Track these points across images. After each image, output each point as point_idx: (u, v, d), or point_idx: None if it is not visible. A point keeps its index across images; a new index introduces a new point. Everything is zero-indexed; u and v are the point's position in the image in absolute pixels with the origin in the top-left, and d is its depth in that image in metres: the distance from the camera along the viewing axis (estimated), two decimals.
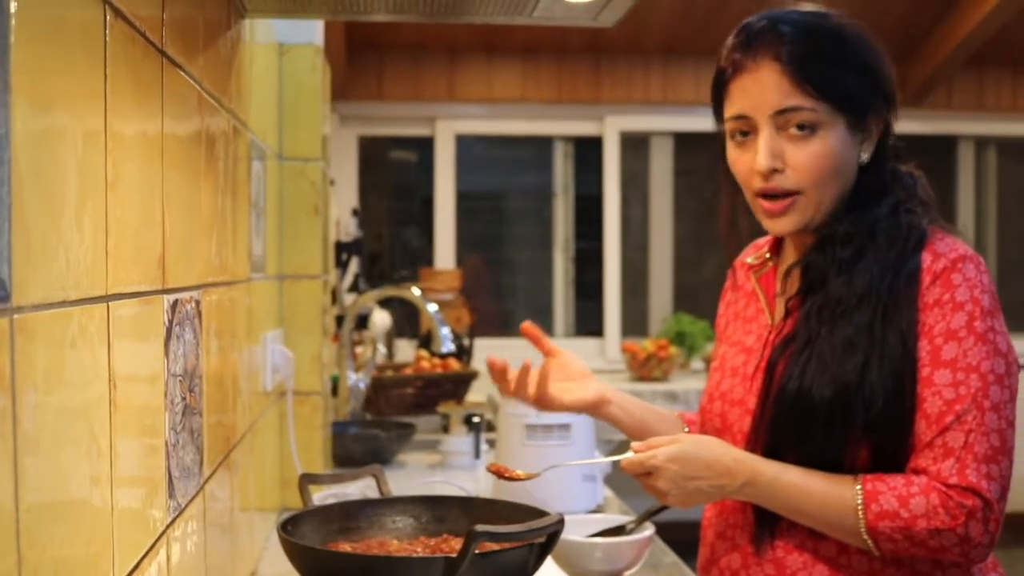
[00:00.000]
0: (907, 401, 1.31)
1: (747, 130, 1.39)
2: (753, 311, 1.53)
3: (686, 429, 1.65)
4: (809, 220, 1.40)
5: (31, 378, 0.72)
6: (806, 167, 1.36)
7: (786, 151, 1.36)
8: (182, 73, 1.22)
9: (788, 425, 1.36)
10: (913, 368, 1.31)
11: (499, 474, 1.52)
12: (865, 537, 1.30)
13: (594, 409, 1.58)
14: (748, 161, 1.39)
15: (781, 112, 1.36)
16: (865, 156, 1.40)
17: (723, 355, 1.54)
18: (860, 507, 1.30)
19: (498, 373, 1.54)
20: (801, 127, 1.35)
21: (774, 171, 1.37)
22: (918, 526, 1.28)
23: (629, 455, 1.39)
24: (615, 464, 1.47)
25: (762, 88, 1.36)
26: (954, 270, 1.33)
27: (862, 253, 1.36)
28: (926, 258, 1.34)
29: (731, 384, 1.48)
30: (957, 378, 1.29)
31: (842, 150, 1.37)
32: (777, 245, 1.54)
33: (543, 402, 1.54)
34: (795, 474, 1.34)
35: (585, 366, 1.59)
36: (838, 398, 1.31)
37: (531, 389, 1.54)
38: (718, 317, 1.64)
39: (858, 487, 1.31)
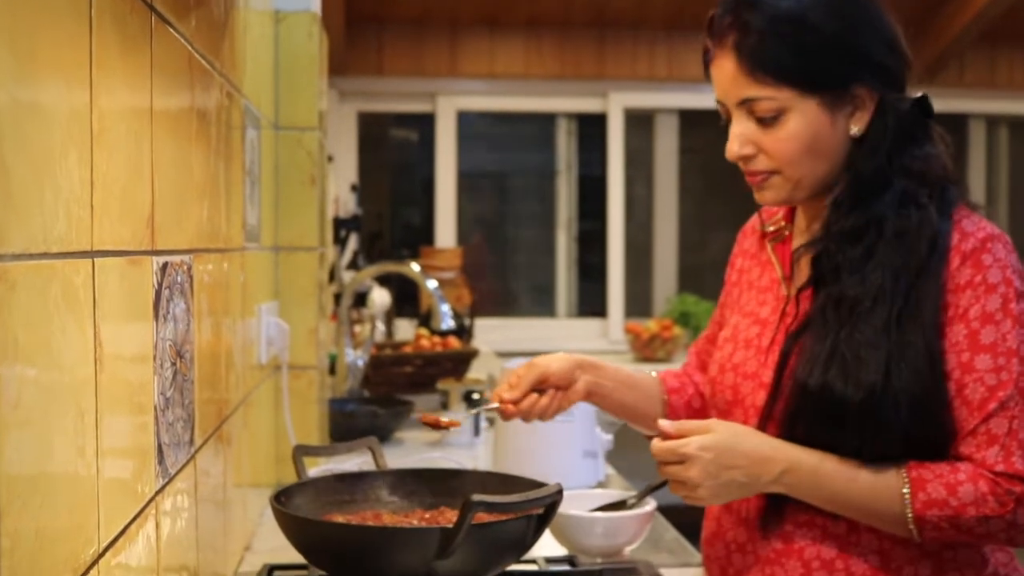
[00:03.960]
0: (939, 396, 1.28)
1: (727, 115, 1.40)
2: (767, 281, 1.49)
3: (665, 397, 1.62)
4: (791, 194, 1.39)
5: (11, 331, 0.70)
6: (775, 152, 1.35)
7: (757, 136, 1.36)
8: (172, 31, 1.19)
9: (818, 426, 1.31)
10: (939, 364, 1.28)
11: (435, 424, 1.53)
12: (911, 526, 1.28)
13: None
14: None
15: (743, 102, 1.35)
16: (856, 129, 1.36)
17: (736, 325, 1.50)
18: (907, 496, 1.27)
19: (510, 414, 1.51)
20: (765, 114, 1.34)
21: (748, 157, 1.37)
22: (967, 514, 1.26)
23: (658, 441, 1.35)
24: (618, 439, 1.44)
25: (724, 78, 1.36)
26: (984, 250, 1.31)
27: (872, 251, 1.33)
28: (954, 236, 1.32)
29: (744, 356, 1.44)
30: (998, 363, 1.27)
31: (814, 129, 1.34)
32: (791, 212, 1.51)
33: (545, 418, 1.53)
34: (837, 463, 1.30)
35: (562, 362, 1.52)
36: (866, 402, 1.27)
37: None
38: (729, 284, 1.60)
39: (904, 476, 1.28)
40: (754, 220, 1.58)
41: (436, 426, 1.52)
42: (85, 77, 0.87)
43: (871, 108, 1.35)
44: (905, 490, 1.27)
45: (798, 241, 1.47)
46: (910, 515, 1.27)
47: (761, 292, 1.49)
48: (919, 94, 1.39)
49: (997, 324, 1.28)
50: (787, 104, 1.33)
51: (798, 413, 1.33)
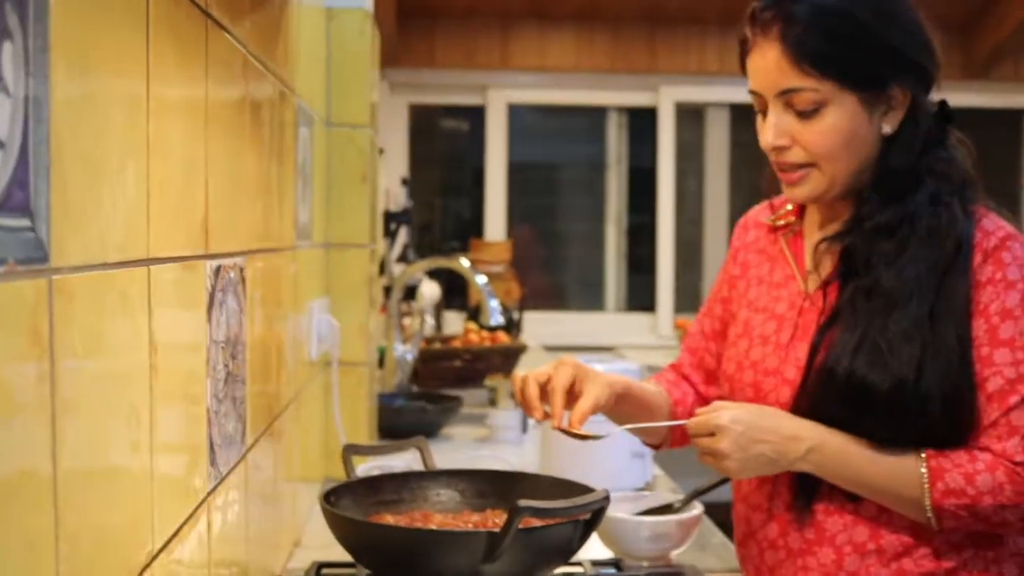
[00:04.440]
0: (965, 392, 1.31)
1: (762, 106, 1.40)
2: (781, 276, 1.49)
3: (669, 410, 1.58)
4: (826, 190, 1.39)
5: (70, 342, 0.71)
6: (813, 145, 1.36)
7: (794, 128, 1.36)
8: (227, 35, 1.21)
9: (842, 411, 1.34)
10: (969, 364, 1.31)
11: (568, 432, 1.49)
12: (929, 514, 1.31)
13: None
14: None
15: (784, 92, 1.35)
16: (888, 128, 1.37)
17: (747, 321, 1.50)
18: (926, 484, 1.30)
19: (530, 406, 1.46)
20: (806, 106, 1.34)
21: (782, 148, 1.37)
22: (984, 503, 1.29)
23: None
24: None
25: (767, 68, 1.36)
26: (1003, 248, 1.35)
27: (905, 245, 1.35)
28: (976, 235, 1.35)
29: (763, 353, 1.45)
30: (1017, 357, 1.31)
31: (852, 126, 1.35)
32: (802, 208, 1.51)
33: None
34: (861, 444, 1.34)
35: (586, 374, 1.46)
36: (895, 392, 1.30)
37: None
38: (732, 278, 1.58)
39: (923, 466, 1.31)
40: (756, 212, 1.59)
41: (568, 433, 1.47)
42: (142, 86, 0.88)
43: (904, 108, 1.37)
44: (924, 479, 1.30)
45: (812, 236, 1.47)
46: (928, 504, 1.30)
47: (774, 287, 1.49)
48: (941, 100, 1.42)
49: (1016, 320, 1.32)
50: (828, 97, 1.34)
51: (825, 399, 1.35)
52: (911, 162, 1.37)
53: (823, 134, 1.35)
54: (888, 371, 1.30)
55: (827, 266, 1.42)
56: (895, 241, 1.35)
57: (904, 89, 1.36)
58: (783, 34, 1.34)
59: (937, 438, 1.32)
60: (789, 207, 1.53)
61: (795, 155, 1.37)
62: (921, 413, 1.30)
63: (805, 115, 1.35)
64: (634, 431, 1.50)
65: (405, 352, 3.02)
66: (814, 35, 1.33)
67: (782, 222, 1.53)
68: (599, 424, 1.48)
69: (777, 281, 1.49)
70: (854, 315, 1.34)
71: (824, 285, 1.41)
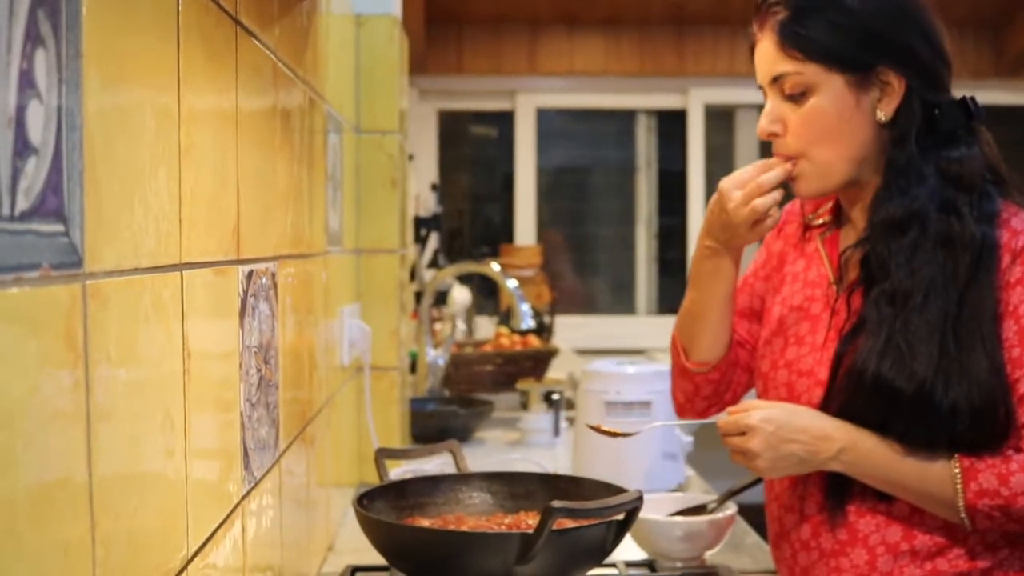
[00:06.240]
0: (998, 412, 1.29)
1: (765, 98, 1.42)
2: (815, 275, 1.48)
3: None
4: (823, 182, 1.39)
5: (104, 347, 0.72)
6: (800, 129, 1.37)
7: (786, 113, 1.38)
8: (256, 43, 1.22)
9: (872, 415, 1.34)
10: (1002, 380, 1.28)
11: (598, 430, 1.51)
12: (963, 515, 1.31)
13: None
14: None
15: (775, 80, 1.38)
16: (883, 115, 1.37)
17: (781, 319, 1.49)
18: (959, 485, 1.30)
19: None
20: (794, 90, 1.36)
21: (775, 135, 1.39)
22: (1018, 504, 1.28)
23: (724, 416, 1.38)
24: (698, 440, 1.44)
25: (763, 58, 1.40)
26: None
27: (917, 246, 1.34)
28: (1003, 235, 1.33)
29: (797, 353, 1.45)
30: None
31: (839, 109, 1.36)
32: (837, 208, 1.50)
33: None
34: (893, 444, 1.33)
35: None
36: (920, 396, 1.29)
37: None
38: (767, 268, 1.56)
39: (956, 467, 1.30)
40: (791, 205, 1.57)
41: (604, 433, 1.50)
42: (173, 93, 0.89)
43: (899, 95, 1.36)
44: (957, 480, 1.30)
45: (845, 233, 1.47)
46: (962, 504, 1.30)
47: (809, 286, 1.48)
48: (964, 96, 1.39)
49: None
50: (813, 80, 1.35)
51: (853, 403, 1.34)
52: (911, 152, 1.36)
53: (808, 118, 1.36)
54: (912, 373, 1.29)
55: (852, 274, 1.42)
56: (908, 240, 1.34)
57: (897, 74, 1.36)
58: (774, 24, 1.37)
59: (970, 446, 1.30)
60: (828, 205, 1.51)
61: (786, 144, 1.39)
62: (950, 424, 1.29)
63: (794, 100, 1.37)
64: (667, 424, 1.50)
65: (437, 357, 3.03)
66: (799, 20, 1.36)
67: (819, 221, 1.52)
68: (629, 423, 1.49)
69: (812, 280, 1.49)
70: (879, 320, 1.34)
71: (849, 292, 1.40)
